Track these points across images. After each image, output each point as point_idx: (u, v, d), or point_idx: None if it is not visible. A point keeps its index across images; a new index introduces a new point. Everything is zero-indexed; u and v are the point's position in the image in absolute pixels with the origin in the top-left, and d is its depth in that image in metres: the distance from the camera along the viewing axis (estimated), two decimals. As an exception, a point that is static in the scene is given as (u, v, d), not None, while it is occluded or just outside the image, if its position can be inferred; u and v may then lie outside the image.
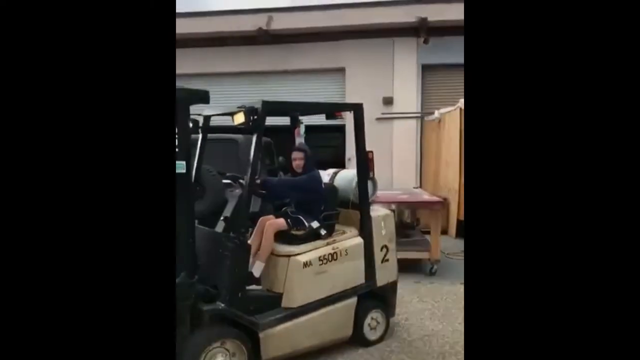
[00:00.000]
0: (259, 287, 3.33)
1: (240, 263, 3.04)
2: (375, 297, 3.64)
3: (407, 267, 5.68)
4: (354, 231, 3.58)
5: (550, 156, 1.49)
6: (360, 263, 3.53)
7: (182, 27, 8.86)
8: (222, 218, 3.37)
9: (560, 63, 1.49)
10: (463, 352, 1.55)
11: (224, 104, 3.21)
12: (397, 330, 4.04)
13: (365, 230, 3.58)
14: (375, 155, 8.62)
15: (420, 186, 8.24)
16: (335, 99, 9.31)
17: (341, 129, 9.69)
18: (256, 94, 9.62)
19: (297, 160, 3.51)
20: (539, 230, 1.50)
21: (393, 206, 6.30)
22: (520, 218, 1.52)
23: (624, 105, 1.44)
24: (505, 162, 1.54)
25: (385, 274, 3.69)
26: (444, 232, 5.87)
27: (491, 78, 1.56)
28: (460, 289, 5.03)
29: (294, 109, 3.74)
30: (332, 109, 3.60)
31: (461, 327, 4.16)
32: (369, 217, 3.60)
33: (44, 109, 1.52)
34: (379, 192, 6.22)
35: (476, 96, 1.60)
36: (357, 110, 3.57)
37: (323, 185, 3.60)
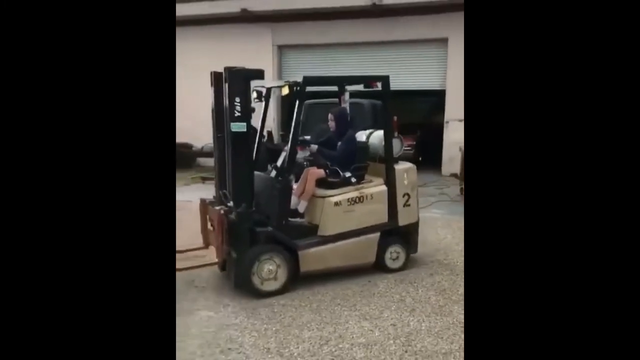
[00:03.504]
0: (303, 220, 4.38)
1: (284, 199, 4.10)
2: (397, 234, 4.45)
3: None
4: (380, 180, 4.40)
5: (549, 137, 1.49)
6: (384, 206, 4.36)
7: (306, 2, 10.05)
8: (273, 166, 4.43)
9: (561, 48, 1.49)
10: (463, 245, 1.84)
11: (338, 71, 4.09)
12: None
13: (389, 180, 4.37)
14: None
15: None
16: (438, 66, 9.96)
17: (436, 94, 10.18)
18: (364, 63, 10.51)
19: (330, 121, 4.45)
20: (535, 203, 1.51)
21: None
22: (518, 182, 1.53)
23: (622, 87, 1.43)
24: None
25: (406, 216, 4.47)
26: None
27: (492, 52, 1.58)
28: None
29: (331, 82, 4.58)
30: (365, 80, 4.35)
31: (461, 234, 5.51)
32: (393, 169, 4.38)
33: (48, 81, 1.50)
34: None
35: (476, 71, 1.62)
36: (385, 81, 4.31)
37: (356, 144, 4.46)
